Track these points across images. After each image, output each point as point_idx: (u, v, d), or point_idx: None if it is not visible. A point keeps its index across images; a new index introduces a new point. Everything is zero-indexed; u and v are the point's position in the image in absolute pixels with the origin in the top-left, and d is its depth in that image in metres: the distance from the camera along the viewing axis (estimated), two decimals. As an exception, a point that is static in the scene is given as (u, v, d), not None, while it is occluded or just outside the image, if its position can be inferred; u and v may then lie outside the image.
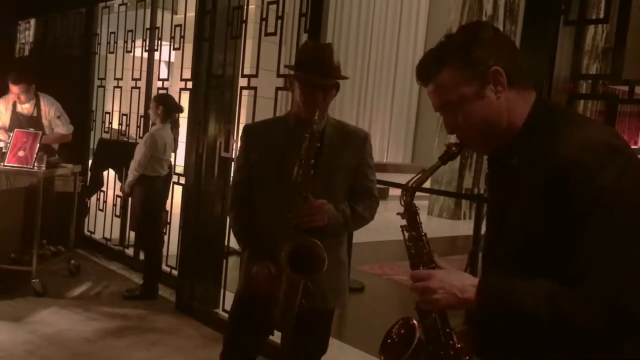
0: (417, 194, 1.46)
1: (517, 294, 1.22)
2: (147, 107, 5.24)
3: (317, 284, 2.08)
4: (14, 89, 5.07)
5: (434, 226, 9.72)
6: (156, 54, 5.45)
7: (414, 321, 1.42)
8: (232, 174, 2.59)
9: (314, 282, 2.05)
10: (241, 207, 2.29)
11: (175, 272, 4.71)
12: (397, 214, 1.46)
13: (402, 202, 1.45)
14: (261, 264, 2.14)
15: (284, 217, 2.06)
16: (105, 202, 5.96)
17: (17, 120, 5.17)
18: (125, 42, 5.62)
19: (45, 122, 5.25)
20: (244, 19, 4.15)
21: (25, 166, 4.50)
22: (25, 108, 5.23)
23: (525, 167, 1.29)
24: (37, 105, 5.22)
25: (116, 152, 5.74)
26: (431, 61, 1.37)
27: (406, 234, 1.44)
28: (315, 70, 2.10)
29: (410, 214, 1.44)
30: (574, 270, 1.18)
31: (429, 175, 1.41)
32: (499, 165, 1.42)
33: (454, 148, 1.40)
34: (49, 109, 5.27)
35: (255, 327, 2.29)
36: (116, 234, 5.82)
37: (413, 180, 1.43)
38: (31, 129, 4.82)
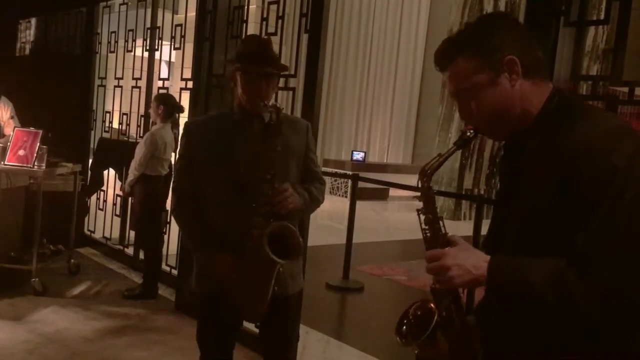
0: (418, 194, 1.47)
1: (527, 268, 1.26)
2: (147, 106, 5.24)
3: (283, 270, 2.11)
4: None
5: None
6: (157, 54, 5.45)
7: (431, 305, 1.44)
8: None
9: (282, 268, 2.09)
10: (188, 207, 2.28)
11: (175, 272, 4.71)
12: (413, 197, 1.49)
13: (419, 186, 1.46)
14: (220, 257, 2.14)
15: (237, 210, 2.09)
16: (105, 201, 5.96)
17: None
18: (126, 41, 5.62)
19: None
20: (245, 18, 4.15)
21: (25, 165, 4.50)
22: None
23: (539, 152, 1.32)
24: None
25: (116, 151, 5.74)
26: (448, 48, 1.40)
27: (422, 217, 1.45)
28: (256, 61, 2.15)
29: (427, 197, 1.45)
30: (581, 249, 1.20)
31: (444, 160, 1.44)
32: (513, 151, 1.45)
33: (468, 133, 1.43)
34: (5, 109, 5.22)
35: (225, 324, 2.30)
36: (116, 233, 5.83)
37: (429, 165, 1.45)
38: (31, 128, 4.82)
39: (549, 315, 1.24)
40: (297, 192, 2.17)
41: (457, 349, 1.41)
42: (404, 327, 1.47)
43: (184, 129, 2.37)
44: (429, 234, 1.44)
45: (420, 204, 1.46)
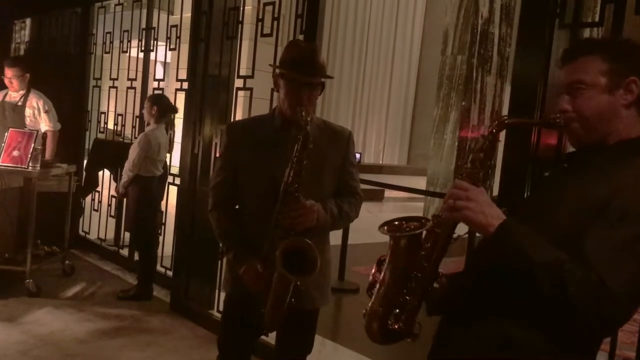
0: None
1: (535, 243, 1.29)
2: (142, 107, 5.23)
3: (305, 284, 2.08)
4: (8, 72, 5.07)
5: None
6: (152, 54, 5.44)
7: (426, 222, 1.47)
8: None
9: (302, 282, 2.05)
10: (225, 207, 2.28)
11: (170, 273, 4.70)
12: (481, 134, 1.49)
13: (488, 131, 1.47)
14: (248, 264, 2.13)
15: (271, 217, 2.06)
16: (100, 202, 5.95)
17: (2, 108, 5.14)
18: (121, 42, 5.61)
19: (27, 111, 5.18)
20: (240, 19, 4.15)
21: (19, 166, 4.49)
22: (14, 97, 5.19)
23: (601, 166, 1.37)
24: (25, 96, 5.20)
25: (111, 152, 5.73)
26: (592, 43, 1.46)
27: (471, 156, 1.47)
28: (300, 69, 2.10)
29: (493, 136, 1.45)
30: (590, 252, 1.24)
31: (528, 122, 1.68)
32: (575, 161, 1.51)
33: (558, 120, 1.46)
34: (37, 101, 5.22)
35: (247, 328, 2.28)
36: (111, 235, 5.82)
37: (512, 118, 1.54)
38: (27, 129, 4.81)
39: (534, 294, 1.27)
40: (325, 208, 2.14)
41: (420, 275, 1.44)
42: (387, 225, 1.52)
43: (226, 130, 2.35)
44: (466, 170, 1.45)
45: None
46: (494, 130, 1.44)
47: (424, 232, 1.45)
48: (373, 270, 1.57)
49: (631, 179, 1.29)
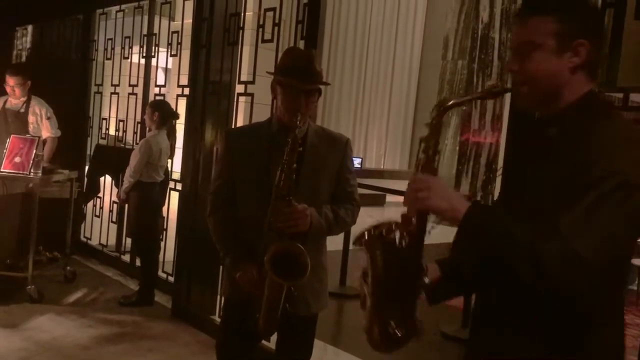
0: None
1: (504, 220, 1.30)
2: (144, 113, 5.24)
3: (299, 289, 2.08)
4: (10, 80, 5.10)
5: (432, 232, 9.71)
6: (153, 61, 5.46)
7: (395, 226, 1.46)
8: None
9: (296, 287, 2.06)
10: (222, 213, 2.29)
11: (171, 279, 4.70)
12: (426, 124, 1.49)
13: (432, 113, 1.47)
14: (244, 269, 2.15)
15: (266, 222, 2.07)
16: (101, 208, 5.95)
17: (4, 115, 5.16)
18: (123, 48, 5.62)
19: (31, 118, 5.22)
20: (241, 25, 4.16)
21: (21, 172, 4.49)
22: (15, 104, 5.21)
23: (561, 141, 1.36)
24: (27, 103, 5.22)
25: (113, 158, 5.73)
26: (544, 2, 1.43)
27: (422, 145, 1.46)
28: (297, 75, 2.11)
29: (434, 128, 1.45)
30: (560, 225, 1.23)
31: (467, 100, 1.52)
32: (534, 131, 1.50)
33: (496, 89, 1.48)
34: (40, 108, 5.25)
35: (246, 333, 2.29)
36: (112, 240, 5.81)
37: (451, 100, 1.47)
38: (29, 135, 4.82)
39: (509, 270, 1.26)
40: (320, 213, 2.14)
41: (405, 274, 1.44)
42: (364, 234, 1.51)
43: (224, 136, 2.39)
44: (422, 162, 1.44)
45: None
46: (436, 115, 1.46)
47: (397, 234, 1.44)
48: (358, 284, 1.56)
49: (593, 147, 1.27)
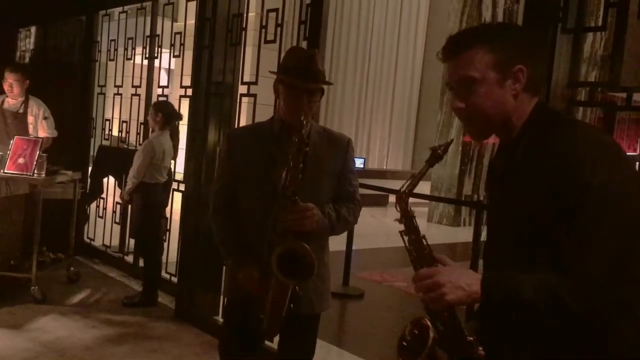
0: (418, 200, 1.48)
1: (518, 282, 1.28)
2: (147, 114, 5.25)
3: (303, 289, 2.09)
4: (9, 76, 5.09)
5: (434, 233, 9.72)
6: (156, 61, 5.46)
7: (426, 321, 1.43)
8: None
9: (301, 287, 2.06)
10: (224, 213, 2.29)
11: (174, 279, 4.71)
12: (395, 220, 1.50)
13: (397, 209, 1.48)
14: (246, 270, 2.15)
15: (269, 221, 2.07)
16: (105, 209, 5.96)
17: (2, 116, 5.17)
18: (126, 49, 5.63)
19: (30, 118, 5.22)
20: (244, 26, 4.17)
21: (25, 173, 4.51)
22: (13, 104, 5.21)
23: (525, 163, 1.36)
24: (25, 103, 5.22)
25: (116, 159, 5.75)
26: (468, 36, 1.42)
27: (406, 238, 1.46)
28: (298, 75, 2.12)
29: (406, 218, 1.46)
30: (566, 259, 1.24)
31: (418, 179, 1.46)
32: (500, 161, 1.49)
33: (439, 150, 1.45)
34: (38, 108, 5.26)
35: (248, 334, 2.29)
36: (116, 241, 5.82)
37: (405, 187, 1.47)
38: (32, 136, 4.83)
39: (540, 319, 1.27)
40: (323, 212, 2.14)
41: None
42: (404, 347, 1.47)
43: (226, 136, 2.39)
44: (414, 255, 1.44)
45: (402, 227, 1.47)
46: (403, 206, 1.46)
47: (432, 332, 1.41)
48: None
49: (563, 161, 1.26)
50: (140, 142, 5.34)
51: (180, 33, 4.84)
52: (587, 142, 1.28)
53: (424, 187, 10.63)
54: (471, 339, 1.42)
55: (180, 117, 4.82)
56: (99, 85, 6.12)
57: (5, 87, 5.13)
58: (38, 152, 4.53)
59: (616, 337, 1.28)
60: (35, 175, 4.52)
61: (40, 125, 5.27)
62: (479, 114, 1.39)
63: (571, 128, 1.34)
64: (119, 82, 5.71)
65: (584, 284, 1.22)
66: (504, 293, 1.29)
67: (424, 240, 1.44)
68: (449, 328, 1.41)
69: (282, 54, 3.80)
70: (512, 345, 1.38)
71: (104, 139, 6.07)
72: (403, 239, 1.46)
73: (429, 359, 1.40)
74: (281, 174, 2.06)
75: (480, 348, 1.42)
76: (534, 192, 1.30)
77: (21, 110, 5.20)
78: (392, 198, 12.94)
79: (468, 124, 1.44)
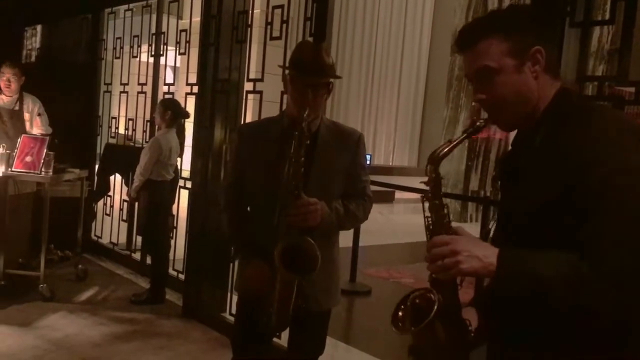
0: (425, 188, 1.46)
1: (538, 259, 1.24)
2: (153, 112, 5.25)
3: (310, 285, 2.08)
4: (7, 71, 5.07)
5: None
6: (162, 59, 5.47)
7: (432, 294, 1.40)
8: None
9: (307, 282, 2.05)
10: (234, 209, 2.30)
11: (182, 276, 4.72)
12: (421, 182, 1.47)
13: (427, 172, 1.44)
14: (255, 265, 2.15)
15: (276, 216, 2.07)
16: (112, 206, 5.98)
17: None
18: (131, 47, 5.64)
19: (26, 115, 5.21)
20: (249, 23, 4.16)
21: (32, 171, 4.52)
22: (7, 101, 5.16)
23: (545, 149, 1.33)
24: (20, 100, 5.21)
25: (122, 156, 5.76)
26: (480, 26, 1.40)
27: (426, 205, 1.43)
28: (304, 69, 2.11)
29: (435, 182, 1.43)
30: (587, 245, 1.20)
31: (454, 147, 1.43)
32: (519, 149, 1.45)
33: (478, 122, 1.43)
34: (33, 105, 5.24)
35: (259, 329, 2.29)
36: (123, 239, 5.84)
37: (439, 150, 1.43)
38: (38, 134, 4.84)
39: (556, 300, 1.22)
40: (330, 207, 2.13)
41: (454, 338, 1.39)
42: (400, 314, 1.45)
43: (237, 132, 2.40)
44: (432, 221, 1.41)
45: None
46: (432, 169, 1.43)
47: (437, 305, 1.38)
48: None
49: (588, 145, 1.23)
50: (147, 140, 5.35)
51: (185, 30, 4.84)
52: (613, 124, 1.26)
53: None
54: (468, 321, 1.41)
55: (187, 115, 4.83)
56: (105, 84, 6.13)
57: (2, 83, 5.10)
58: (45, 150, 4.54)
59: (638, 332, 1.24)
60: (43, 173, 4.54)
61: (35, 121, 5.25)
62: (502, 103, 1.37)
63: (591, 117, 1.30)
64: (125, 80, 5.73)
65: (608, 276, 1.17)
66: (521, 268, 1.24)
67: (446, 209, 1.42)
68: (448, 305, 1.39)
69: (288, 51, 3.80)
70: (520, 328, 1.33)
71: (111, 136, 6.08)
72: (423, 205, 1.43)
73: (426, 331, 1.38)
74: (283, 167, 2.06)
75: (471, 328, 1.41)
76: (553, 179, 1.26)
77: (16, 108, 5.17)
78: (398, 194, 12.96)
79: (493, 114, 1.42)
